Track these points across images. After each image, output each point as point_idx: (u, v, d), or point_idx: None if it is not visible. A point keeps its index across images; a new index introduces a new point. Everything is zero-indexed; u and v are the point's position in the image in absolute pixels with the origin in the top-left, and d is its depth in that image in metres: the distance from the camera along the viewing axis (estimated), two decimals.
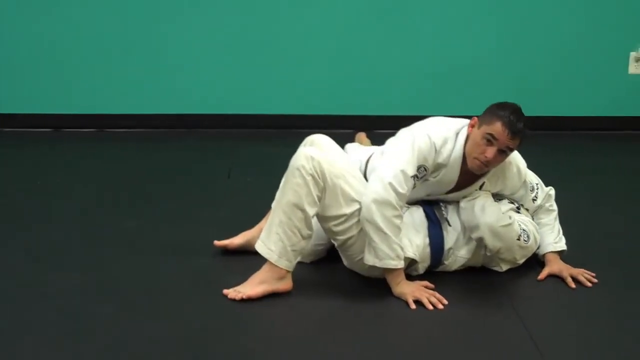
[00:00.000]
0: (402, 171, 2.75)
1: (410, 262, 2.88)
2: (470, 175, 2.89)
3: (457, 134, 2.87)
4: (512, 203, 3.06)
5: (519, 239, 2.89)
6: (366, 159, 3.12)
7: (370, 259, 2.79)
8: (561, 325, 2.65)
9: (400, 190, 2.74)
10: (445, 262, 2.95)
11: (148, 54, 4.93)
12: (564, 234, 3.22)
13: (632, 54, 5.05)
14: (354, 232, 2.80)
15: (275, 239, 2.75)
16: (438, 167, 2.85)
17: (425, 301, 2.74)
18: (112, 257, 3.11)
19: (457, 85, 5.02)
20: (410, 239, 2.87)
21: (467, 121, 2.90)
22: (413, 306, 2.73)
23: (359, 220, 2.78)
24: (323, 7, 4.88)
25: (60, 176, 4.13)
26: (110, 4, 4.86)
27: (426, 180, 2.87)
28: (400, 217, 2.77)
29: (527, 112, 5.11)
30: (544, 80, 5.07)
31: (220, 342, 2.49)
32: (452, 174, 2.87)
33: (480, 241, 2.85)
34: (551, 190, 3.15)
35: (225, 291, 2.78)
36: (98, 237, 3.30)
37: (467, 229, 2.90)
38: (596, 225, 3.50)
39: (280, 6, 4.87)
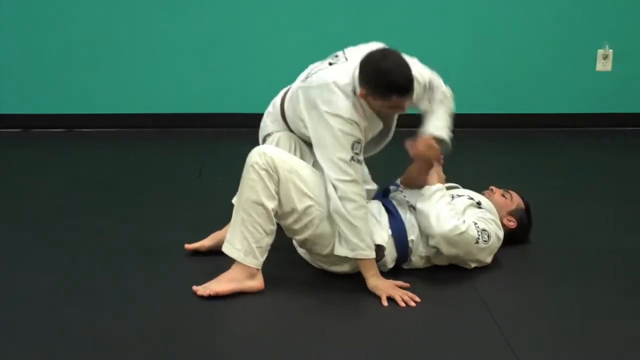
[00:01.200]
0: (340, 159, 2.75)
1: (378, 255, 2.86)
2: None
3: (353, 92, 2.76)
4: (472, 199, 3.03)
5: (477, 242, 2.87)
6: (280, 98, 3.11)
7: (342, 251, 2.80)
8: (528, 317, 2.67)
9: (347, 177, 2.74)
10: (412, 259, 2.95)
11: (119, 53, 4.91)
12: (533, 230, 3.27)
13: (600, 52, 5.10)
14: (311, 229, 2.80)
15: (240, 237, 2.76)
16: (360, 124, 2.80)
17: (398, 299, 2.74)
18: (82, 257, 3.09)
19: None
20: (374, 230, 2.87)
21: (346, 79, 2.78)
22: (385, 303, 2.74)
23: (314, 217, 2.78)
24: (297, 7, 4.88)
25: (29, 177, 4.10)
26: (80, 3, 4.83)
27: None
28: (363, 207, 2.78)
29: (495, 110, 5.23)
30: (512, 78, 5.10)
31: (191, 344, 2.48)
32: (375, 121, 2.86)
33: (437, 248, 2.88)
34: (442, 86, 3.10)
35: (194, 288, 2.77)
36: (67, 238, 3.27)
37: (423, 234, 2.91)
38: (562, 222, 3.53)
39: (254, 7, 4.87)
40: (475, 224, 2.88)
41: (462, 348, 2.48)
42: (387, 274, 2.91)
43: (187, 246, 3.07)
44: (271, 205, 2.75)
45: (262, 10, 4.86)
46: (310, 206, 2.78)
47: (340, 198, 2.74)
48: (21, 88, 4.94)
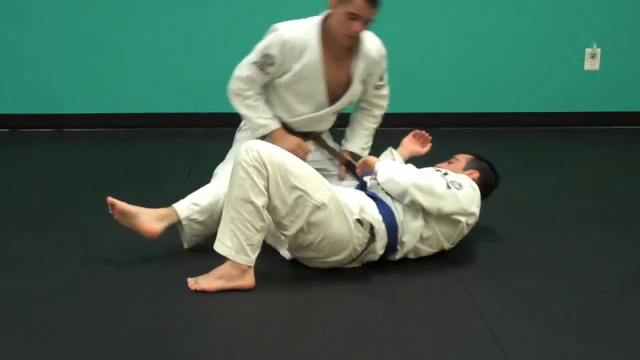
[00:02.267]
0: (243, 63, 3.22)
1: (368, 241, 2.86)
2: (338, 69, 3.18)
3: (309, 23, 3.17)
4: (438, 170, 3.07)
5: (449, 187, 2.91)
6: None
7: (254, 134, 3.24)
8: (518, 315, 2.67)
9: (238, 73, 3.23)
10: (403, 241, 2.93)
11: (108, 53, 4.90)
12: (521, 229, 3.28)
13: (588, 51, 5.13)
14: (302, 219, 2.79)
15: (230, 235, 2.77)
16: (293, 52, 3.13)
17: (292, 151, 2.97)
18: (73, 257, 3.08)
19: (412, 82, 5.05)
20: (365, 207, 2.90)
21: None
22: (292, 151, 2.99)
23: (305, 207, 2.77)
24: (298, 7, 4.87)
25: (17, 177, 4.08)
26: (71, 3, 4.82)
27: (288, 80, 3.19)
28: (250, 97, 3.24)
29: (484, 109, 5.26)
30: (500, 77, 5.13)
31: (180, 343, 2.48)
32: (313, 56, 3.12)
33: (415, 204, 2.88)
34: (387, 100, 3.48)
35: (188, 279, 2.80)
36: (57, 238, 3.27)
37: (399, 200, 2.92)
38: (551, 219, 3.55)
39: (249, 6, 4.86)
40: (443, 176, 2.97)
41: (451, 347, 2.49)
42: (378, 271, 2.92)
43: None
44: (260, 202, 2.75)
45: (258, 10, 4.85)
46: (299, 197, 2.77)
47: (231, 93, 3.27)
48: (9, 88, 4.92)
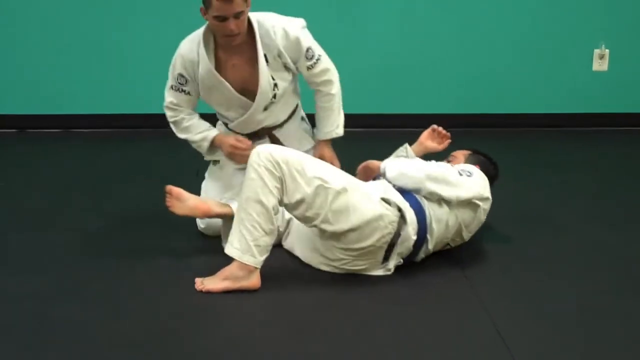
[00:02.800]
0: (165, 92, 3.29)
1: (399, 224, 2.86)
2: (240, 68, 3.18)
3: (197, 33, 3.22)
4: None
5: (461, 175, 2.95)
6: None
7: (204, 152, 3.34)
8: (525, 316, 2.67)
9: (164, 103, 3.29)
10: (428, 236, 2.93)
11: (112, 54, 4.91)
12: (530, 231, 3.28)
13: (596, 51, 5.11)
14: (326, 208, 2.78)
15: (239, 236, 2.77)
16: (193, 66, 3.19)
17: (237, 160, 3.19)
18: (78, 257, 3.10)
19: (416, 83, 5.05)
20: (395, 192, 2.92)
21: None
22: (230, 158, 3.22)
23: (327, 194, 2.77)
24: (298, 7, 4.87)
25: (24, 177, 4.10)
26: (76, 3, 4.83)
27: (202, 94, 3.26)
28: (183, 120, 3.30)
29: (492, 110, 5.25)
30: (507, 78, 5.12)
31: (185, 344, 2.48)
32: (205, 66, 3.14)
33: (433, 195, 2.90)
34: (333, 72, 3.32)
35: (196, 279, 2.81)
36: (63, 238, 3.28)
37: (415, 193, 2.94)
38: (558, 220, 3.55)
39: (252, 5, 4.86)
40: (447, 167, 2.99)
41: (458, 347, 2.49)
42: (395, 275, 2.92)
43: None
44: (270, 203, 2.75)
45: (261, 9, 4.84)
46: (319, 185, 2.77)
47: (169, 122, 3.33)
48: (17, 89, 4.93)
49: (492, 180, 3.18)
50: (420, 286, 2.88)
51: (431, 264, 3.02)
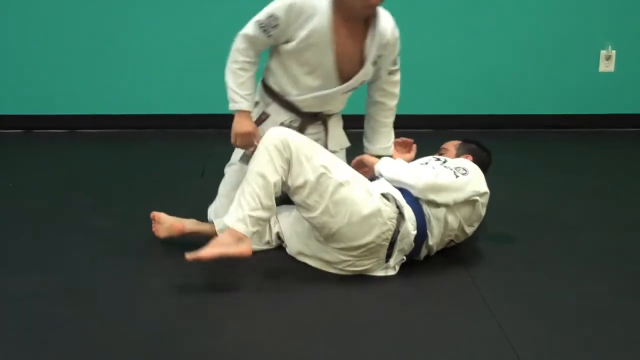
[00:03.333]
0: (249, 23, 3.05)
1: (398, 220, 2.86)
2: (350, 43, 3.03)
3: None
4: (438, 159, 3.10)
5: (457, 176, 2.94)
6: None
7: (229, 106, 3.08)
8: (529, 315, 2.66)
9: (242, 31, 3.05)
10: (431, 224, 2.93)
11: (116, 55, 4.91)
12: (534, 231, 3.27)
13: (603, 52, 5.10)
14: (327, 197, 2.80)
15: (236, 205, 2.83)
16: (300, 17, 2.96)
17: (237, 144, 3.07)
18: (73, 258, 3.09)
19: (423, 83, 5.04)
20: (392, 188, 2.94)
21: None
22: (232, 139, 3.07)
23: (329, 185, 2.80)
24: None
25: (29, 178, 4.10)
26: (80, 4, 4.83)
27: (294, 47, 3.02)
28: (245, 62, 3.06)
29: (498, 111, 5.24)
30: (514, 79, 5.10)
31: (187, 344, 2.47)
32: (322, 23, 2.95)
33: (430, 202, 2.90)
34: (399, 87, 3.31)
35: (186, 254, 2.78)
36: (67, 238, 3.28)
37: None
38: (564, 221, 3.53)
39: (255, 6, 4.86)
40: (446, 167, 2.98)
41: (462, 346, 2.48)
42: (398, 274, 2.92)
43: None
44: (272, 179, 2.80)
45: (257, 10, 4.85)
46: (323, 174, 2.80)
47: (232, 51, 3.11)
48: (22, 89, 4.94)
49: (485, 167, 3.19)
50: (424, 285, 2.88)
51: (434, 263, 3.01)
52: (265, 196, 2.81)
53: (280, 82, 3.17)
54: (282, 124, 3.13)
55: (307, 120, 3.20)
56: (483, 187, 3.02)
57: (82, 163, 4.40)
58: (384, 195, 2.88)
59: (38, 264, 3.03)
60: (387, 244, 2.87)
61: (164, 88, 4.98)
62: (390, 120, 3.34)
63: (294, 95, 3.15)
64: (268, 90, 3.22)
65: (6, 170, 4.23)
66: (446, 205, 2.93)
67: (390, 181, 2.97)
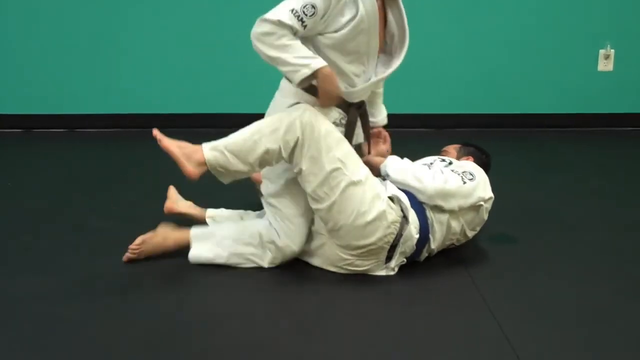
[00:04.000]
0: (277, 8, 2.76)
1: (401, 224, 2.86)
2: (380, 27, 2.91)
3: None
4: (444, 160, 3.11)
5: (465, 182, 2.93)
6: None
7: (300, 74, 2.74)
8: (529, 315, 2.66)
9: (270, 16, 2.74)
10: (434, 227, 2.93)
11: (116, 54, 4.91)
12: (534, 231, 3.27)
13: (601, 52, 5.10)
14: (337, 192, 2.78)
15: (220, 140, 2.84)
16: (339, 4, 2.75)
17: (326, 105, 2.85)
18: (75, 258, 3.09)
19: (423, 82, 5.04)
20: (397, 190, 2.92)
21: None
22: (324, 102, 2.83)
23: (341, 181, 2.77)
24: None
25: (29, 177, 4.10)
26: (80, 4, 4.83)
27: (341, 37, 2.80)
28: (284, 36, 2.73)
29: (498, 110, 5.24)
30: (513, 78, 5.11)
31: (187, 344, 2.48)
32: (371, 4, 2.80)
33: (437, 207, 2.91)
34: None
35: (154, 130, 2.91)
36: (67, 238, 3.28)
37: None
38: (563, 221, 3.54)
39: (254, 7, 4.85)
40: (453, 170, 2.97)
41: (462, 346, 2.48)
42: (398, 274, 2.93)
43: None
44: (264, 146, 2.77)
45: (263, 11, 4.85)
46: (338, 169, 2.78)
47: (259, 35, 2.74)
48: (21, 89, 4.94)
49: (486, 169, 3.19)
50: (424, 286, 2.88)
51: (435, 263, 3.02)
52: (249, 153, 2.78)
53: None
54: (334, 124, 2.92)
55: (354, 112, 3.01)
56: (488, 192, 3.02)
57: (82, 163, 4.40)
58: (390, 198, 2.87)
59: (38, 264, 3.03)
60: (388, 246, 2.87)
61: (164, 88, 4.98)
62: (382, 89, 3.26)
63: (343, 87, 2.91)
64: (310, 87, 2.89)
65: (6, 170, 4.23)
66: (451, 211, 2.93)
67: (397, 183, 2.96)
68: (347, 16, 2.79)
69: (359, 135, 3.11)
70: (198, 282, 2.86)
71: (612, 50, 5.09)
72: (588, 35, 5.08)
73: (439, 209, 2.92)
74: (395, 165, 3.02)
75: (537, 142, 4.92)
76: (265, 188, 3.02)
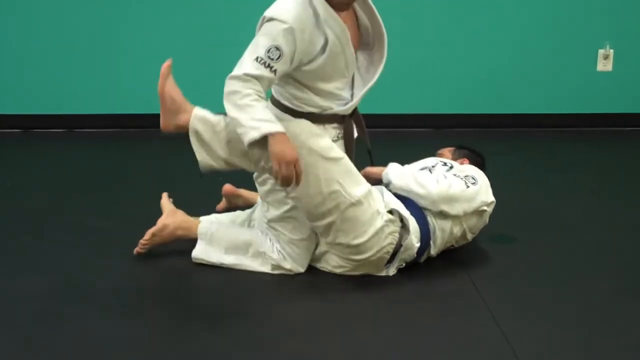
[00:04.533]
0: (243, 61, 2.69)
1: (401, 235, 2.84)
2: (350, 25, 2.81)
3: None
4: (445, 164, 3.09)
5: (468, 187, 2.92)
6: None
7: (245, 142, 2.66)
8: (529, 316, 2.67)
9: (237, 72, 2.66)
10: (432, 243, 2.93)
11: (115, 54, 4.91)
12: (533, 231, 3.28)
13: (600, 52, 5.10)
14: (336, 213, 2.75)
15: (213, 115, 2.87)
16: (304, 35, 2.65)
17: (282, 173, 2.64)
18: (81, 258, 3.09)
19: (423, 82, 5.04)
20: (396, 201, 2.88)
21: None
22: (275, 167, 2.63)
23: (340, 203, 2.73)
24: None
25: (28, 177, 4.10)
26: (80, 4, 4.83)
27: (318, 66, 2.72)
28: (247, 96, 2.64)
29: (496, 110, 5.23)
30: (513, 78, 5.10)
31: (188, 344, 2.47)
32: (337, 26, 2.71)
33: (442, 213, 2.89)
34: None
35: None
36: (67, 238, 3.28)
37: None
38: (562, 221, 3.54)
39: (252, 7, 4.85)
40: (455, 174, 2.96)
41: (462, 346, 2.48)
42: (398, 275, 2.92)
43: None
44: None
45: (263, 10, 4.85)
46: (336, 191, 2.73)
47: (228, 94, 2.67)
48: (21, 89, 4.93)
49: (481, 170, 3.17)
50: (424, 286, 2.88)
51: (434, 264, 3.02)
52: (237, 140, 2.73)
53: (311, 101, 2.84)
54: (333, 141, 2.85)
55: (349, 122, 2.95)
56: (490, 196, 3.01)
57: (82, 163, 4.40)
58: (390, 212, 2.83)
59: (38, 264, 3.03)
60: (388, 256, 2.87)
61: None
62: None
63: (338, 105, 2.86)
64: (299, 114, 2.85)
65: (6, 170, 4.23)
66: (455, 216, 2.92)
67: (400, 190, 2.93)
68: (318, 45, 2.71)
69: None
70: (198, 282, 2.86)
71: (612, 50, 5.08)
72: (587, 35, 5.07)
73: (442, 215, 2.90)
74: (397, 172, 2.99)
75: (536, 142, 4.92)
76: (268, 213, 2.97)
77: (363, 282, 2.88)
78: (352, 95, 2.90)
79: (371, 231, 2.79)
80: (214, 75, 4.95)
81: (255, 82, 2.66)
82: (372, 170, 3.07)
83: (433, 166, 3.08)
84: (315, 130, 2.78)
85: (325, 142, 2.77)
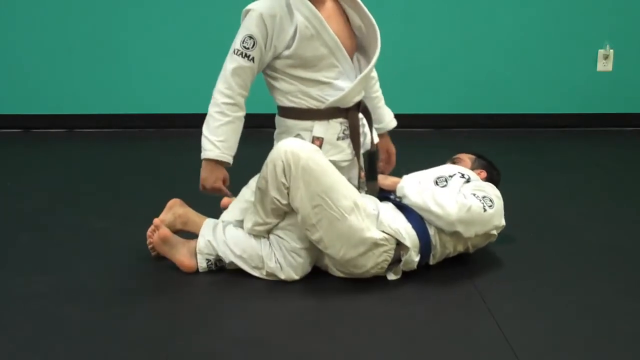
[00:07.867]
0: (225, 61, 2.83)
1: (401, 248, 2.83)
2: (334, 14, 2.85)
3: None
4: (463, 176, 3.04)
5: (485, 210, 2.86)
6: None
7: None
8: (529, 317, 2.67)
9: (222, 73, 2.84)
10: (436, 247, 2.90)
11: (116, 54, 4.91)
12: (534, 231, 3.27)
13: (601, 52, 5.10)
14: (321, 230, 2.75)
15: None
16: (274, 22, 2.74)
17: (208, 189, 2.90)
18: (81, 258, 3.09)
19: (423, 82, 5.04)
20: (394, 218, 2.85)
21: None
22: (200, 187, 2.89)
23: (322, 218, 2.73)
24: None
25: (28, 177, 4.10)
26: (80, 4, 4.83)
27: (292, 52, 2.77)
28: (221, 113, 2.83)
29: (497, 110, 5.24)
30: (513, 78, 5.11)
31: (188, 344, 2.48)
32: (307, 10, 2.75)
33: (456, 234, 2.86)
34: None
35: None
36: (67, 238, 3.28)
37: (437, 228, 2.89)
38: (562, 221, 3.54)
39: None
40: (474, 194, 2.89)
41: (462, 346, 2.48)
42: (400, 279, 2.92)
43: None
44: (274, 194, 2.77)
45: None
46: (318, 205, 2.72)
47: (215, 92, 2.86)
48: (21, 88, 4.94)
49: (496, 185, 3.15)
50: (423, 286, 2.87)
51: (439, 266, 3.00)
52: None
53: (305, 93, 2.86)
54: (339, 139, 2.89)
55: (354, 115, 2.92)
56: (502, 220, 2.97)
57: (82, 163, 4.40)
58: (383, 231, 2.80)
59: (38, 264, 3.03)
60: (383, 271, 2.86)
61: (164, 87, 4.98)
62: (380, 91, 3.19)
63: (332, 96, 2.85)
64: (299, 114, 2.89)
65: (6, 170, 4.23)
66: (468, 238, 2.89)
67: (416, 207, 2.87)
68: (290, 30, 2.77)
69: (367, 135, 3.02)
70: (198, 281, 2.86)
71: (612, 51, 5.09)
72: (587, 35, 5.08)
73: (453, 234, 2.87)
74: (414, 188, 2.92)
75: (537, 142, 4.92)
76: None
77: (363, 282, 2.88)
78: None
79: (361, 249, 2.77)
80: (214, 75, 4.98)
81: (236, 76, 2.81)
82: (386, 182, 3.06)
83: (450, 176, 3.02)
84: (307, 142, 2.82)
85: (314, 153, 2.77)
